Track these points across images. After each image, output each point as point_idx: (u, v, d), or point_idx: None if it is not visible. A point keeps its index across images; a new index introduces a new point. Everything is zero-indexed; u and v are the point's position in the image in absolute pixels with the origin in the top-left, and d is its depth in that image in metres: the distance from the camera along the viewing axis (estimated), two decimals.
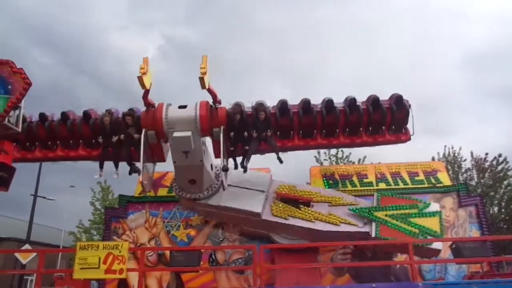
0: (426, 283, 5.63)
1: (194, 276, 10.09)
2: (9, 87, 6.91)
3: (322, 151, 23.27)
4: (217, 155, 8.28)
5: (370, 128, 8.55)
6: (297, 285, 8.28)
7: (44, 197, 25.61)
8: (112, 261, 6.67)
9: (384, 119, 8.36)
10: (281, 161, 8.13)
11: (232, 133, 7.91)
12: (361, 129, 8.48)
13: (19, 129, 7.38)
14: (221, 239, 10.83)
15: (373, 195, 10.12)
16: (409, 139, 8.74)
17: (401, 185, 11.41)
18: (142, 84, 7.06)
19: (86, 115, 8.57)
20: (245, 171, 8.31)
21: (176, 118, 7.72)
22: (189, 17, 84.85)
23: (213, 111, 7.88)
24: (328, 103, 8.20)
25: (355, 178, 11.67)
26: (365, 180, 11.67)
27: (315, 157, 22.71)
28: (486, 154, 22.47)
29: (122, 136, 7.96)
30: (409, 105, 8.43)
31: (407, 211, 8.65)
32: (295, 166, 11.82)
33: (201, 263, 8.18)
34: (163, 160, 8.67)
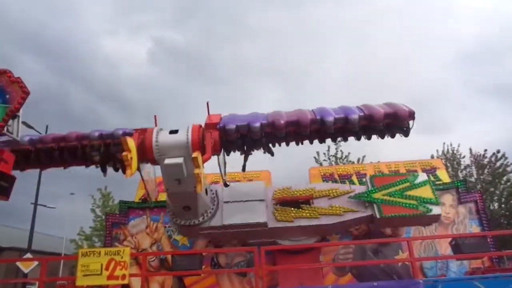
0: (427, 280, 5.64)
1: (196, 280, 10.11)
2: (7, 96, 6.91)
3: (321, 152, 23.38)
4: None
5: None
6: (300, 286, 8.31)
7: (45, 205, 25.59)
8: (114, 267, 6.68)
9: None
10: (272, 154, 8.07)
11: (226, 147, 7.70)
12: None
13: (18, 138, 7.40)
14: None
15: None
16: None
17: None
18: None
19: (73, 149, 7.96)
20: (243, 170, 8.29)
21: (167, 144, 7.37)
22: (177, 20, 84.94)
23: (206, 134, 7.47)
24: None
25: (354, 178, 11.72)
26: (364, 180, 11.71)
27: (315, 157, 22.81)
28: (485, 150, 22.58)
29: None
30: None
31: (400, 186, 9.11)
32: (295, 167, 11.94)
33: (203, 266, 8.20)
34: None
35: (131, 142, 6.85)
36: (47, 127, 21.23)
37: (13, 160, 7.14)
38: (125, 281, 6.65)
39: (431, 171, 11.83)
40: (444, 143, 23.89)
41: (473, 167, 22.80)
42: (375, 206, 9.04)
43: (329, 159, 22.82)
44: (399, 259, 10.11)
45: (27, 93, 6.99)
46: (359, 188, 9.53)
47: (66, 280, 11.02)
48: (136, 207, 11.46)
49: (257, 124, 7.33)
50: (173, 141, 7.38)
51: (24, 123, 10.61)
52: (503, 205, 21.05)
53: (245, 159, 8.24)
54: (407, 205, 8.85)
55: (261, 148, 7.95)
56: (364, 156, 22.37)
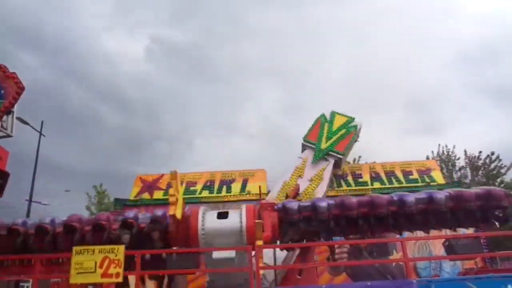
0: (421, 280, 5.66)
1: (192, 278, 10.09)
2: (2, 91, 6.89)
3: None
4: None
5: None
6: (295, 285, 8.30)
7: (39, 202, 25.41)
8: (108, 265, 6.64)
9: None
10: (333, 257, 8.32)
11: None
12: None
13: (12, 134, 7.35)
14: None
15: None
16: None
17: (396, 184, 11.51)
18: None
19: (97, 226, 7.21)
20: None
21: (216, 231, 6.47)
22: (177, 19, 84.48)
23: (263, 212, 6.52)
24: None
25: (350, 178, 11.75)
26: (360, 180, 11.74)
27: None
28: (480, 152, 22.67)
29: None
30: None
31: (325, 129, 12.38)
32: (292, 166, 11.88)
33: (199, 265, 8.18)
34: None
35: (179, 186, 6.32)
36: (42, 122, 21.05)
37: (7, 156, 7.10)
38: (119, 279, 6.60)
39: (426, 172, 11.88)
40: (439, 145, 24.00)
41: (468, 169, 22.90)
42: (331, 153, 11.37)
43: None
44: (393, 259, 10.15)
45: (22, 89, 6.96)
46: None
47: (59, 278, 10.95)
48: (131, 205, 11.43)
49: (324, 204, 6.43)
50: (223, 228, 6.49)
51: (18, 118, 10.55)
52: None
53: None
54: (344, 134, 11.78)
55: (323, 237, 6.90)
56: (360, 156, 22.42)
